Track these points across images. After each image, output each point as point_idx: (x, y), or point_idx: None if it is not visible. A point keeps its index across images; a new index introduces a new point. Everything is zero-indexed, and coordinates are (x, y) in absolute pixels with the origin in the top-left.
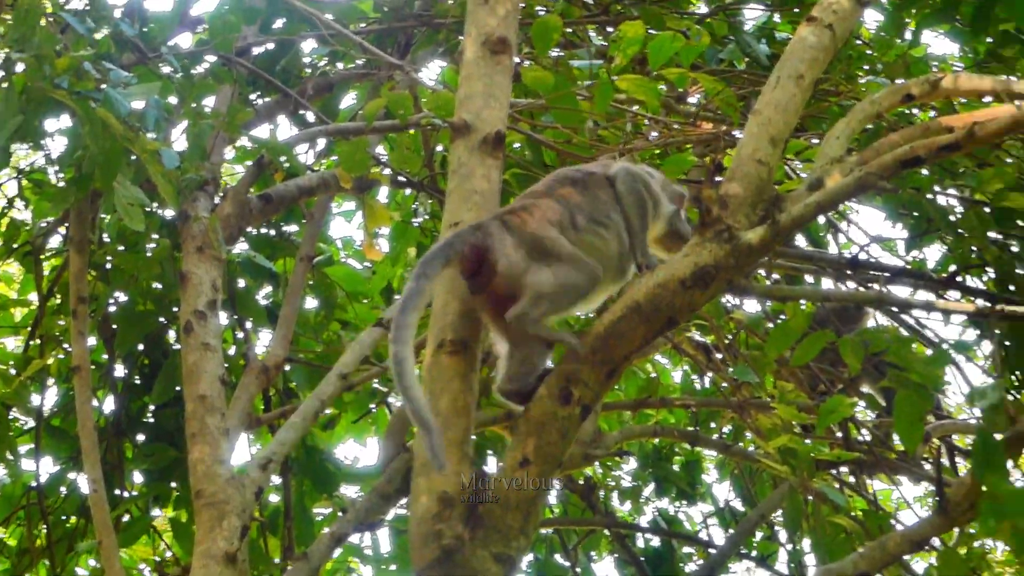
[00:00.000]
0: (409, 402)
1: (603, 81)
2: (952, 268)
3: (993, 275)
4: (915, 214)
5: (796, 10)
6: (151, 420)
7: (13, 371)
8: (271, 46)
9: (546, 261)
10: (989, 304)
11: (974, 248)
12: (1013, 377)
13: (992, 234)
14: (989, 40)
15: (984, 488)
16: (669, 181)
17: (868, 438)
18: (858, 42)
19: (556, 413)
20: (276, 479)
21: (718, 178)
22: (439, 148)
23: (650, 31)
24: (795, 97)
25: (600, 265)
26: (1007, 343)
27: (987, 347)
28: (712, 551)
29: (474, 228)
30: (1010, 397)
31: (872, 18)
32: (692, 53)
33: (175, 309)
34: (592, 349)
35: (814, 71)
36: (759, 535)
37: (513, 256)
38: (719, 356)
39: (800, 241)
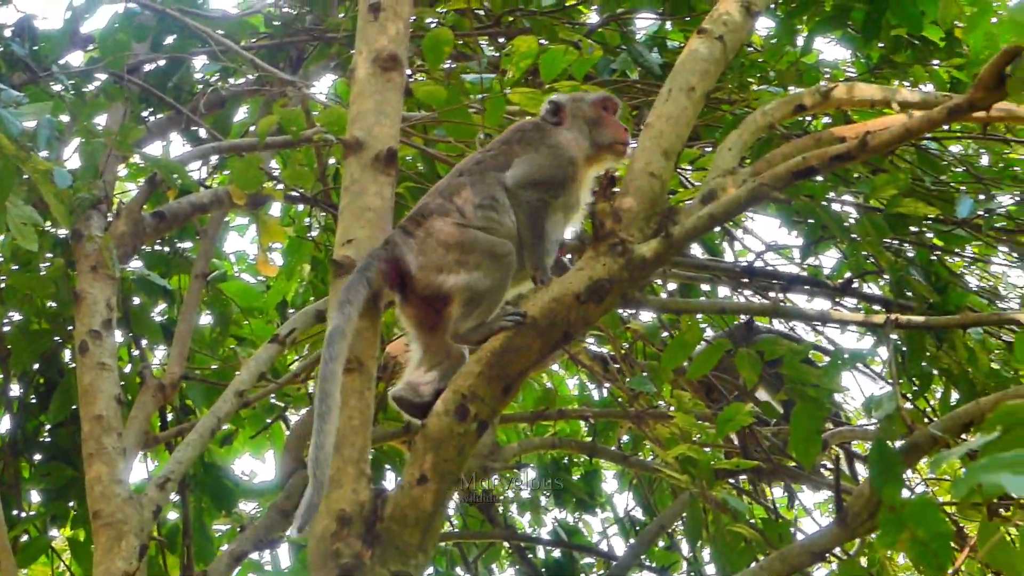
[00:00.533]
0: (316, 448)
1: (495, 94)
2: (848, 274)
3: (888, 281)
4: (810, 221)
5: (687, 19)
6: (48, 439)
7: None
8: (162, 63)
9: (455, 259)
10: (884, 310)
11: (869, 254)
12: (911, 382)
13: (887, 240)
14: (881, 46)
15: (883, 500)
16: (582, 98)
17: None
18: (750, 49)
19: (453, 429)
20: (174, 496)
21: (612, 190)
22: (332, 162)
23: (542, 41)
24: (687, 110)
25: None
26: (904, 349)
27: (884, 353)
28: (613, 562)
29: (384, 244)
30: (908, 405)
31: (764, 25)
32: (584, 66)
33: (70, 328)
34: (488, 365)
35: (706, 83)
36: (660, 545)
37: (421, 258)
38: (616, 366)
39: (696, 250)
